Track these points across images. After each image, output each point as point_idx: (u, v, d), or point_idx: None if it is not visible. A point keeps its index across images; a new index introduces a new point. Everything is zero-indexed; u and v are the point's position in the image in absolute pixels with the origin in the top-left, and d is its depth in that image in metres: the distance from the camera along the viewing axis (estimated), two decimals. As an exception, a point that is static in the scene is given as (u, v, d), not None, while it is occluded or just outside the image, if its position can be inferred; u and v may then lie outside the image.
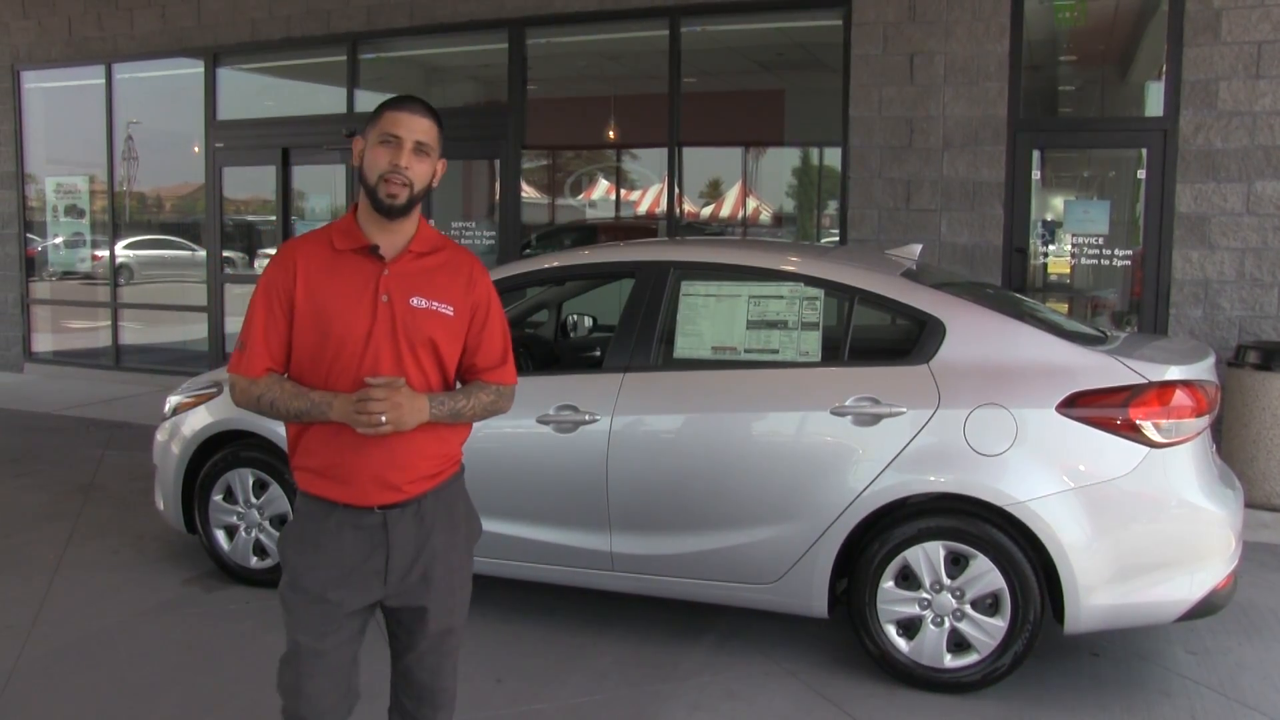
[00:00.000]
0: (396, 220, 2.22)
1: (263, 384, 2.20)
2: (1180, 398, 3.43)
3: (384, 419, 2.11)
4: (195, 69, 9.75)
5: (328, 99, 9.15)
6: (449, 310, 2.25)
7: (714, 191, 8.56)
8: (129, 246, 10.66)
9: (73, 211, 10.78)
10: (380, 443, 2.17)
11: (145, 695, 3.53)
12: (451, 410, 2.27)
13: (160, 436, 4.82)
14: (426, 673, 2.39)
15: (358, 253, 2.22)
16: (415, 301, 2.21)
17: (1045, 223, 6.93)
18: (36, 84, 10.73)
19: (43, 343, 10.93)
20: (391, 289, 2.20)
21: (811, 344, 3.77)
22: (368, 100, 9.18)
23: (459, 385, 2.37)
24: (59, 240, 10.98)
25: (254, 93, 10.00)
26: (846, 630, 3.80)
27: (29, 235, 10.92)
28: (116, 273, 10.53)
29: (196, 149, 9.91)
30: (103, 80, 10.26)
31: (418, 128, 2.19)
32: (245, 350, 2.22)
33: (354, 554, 2.22)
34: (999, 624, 3.47)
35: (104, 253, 10.61)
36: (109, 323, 10.52)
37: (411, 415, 2.16)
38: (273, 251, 2.39)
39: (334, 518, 2.22)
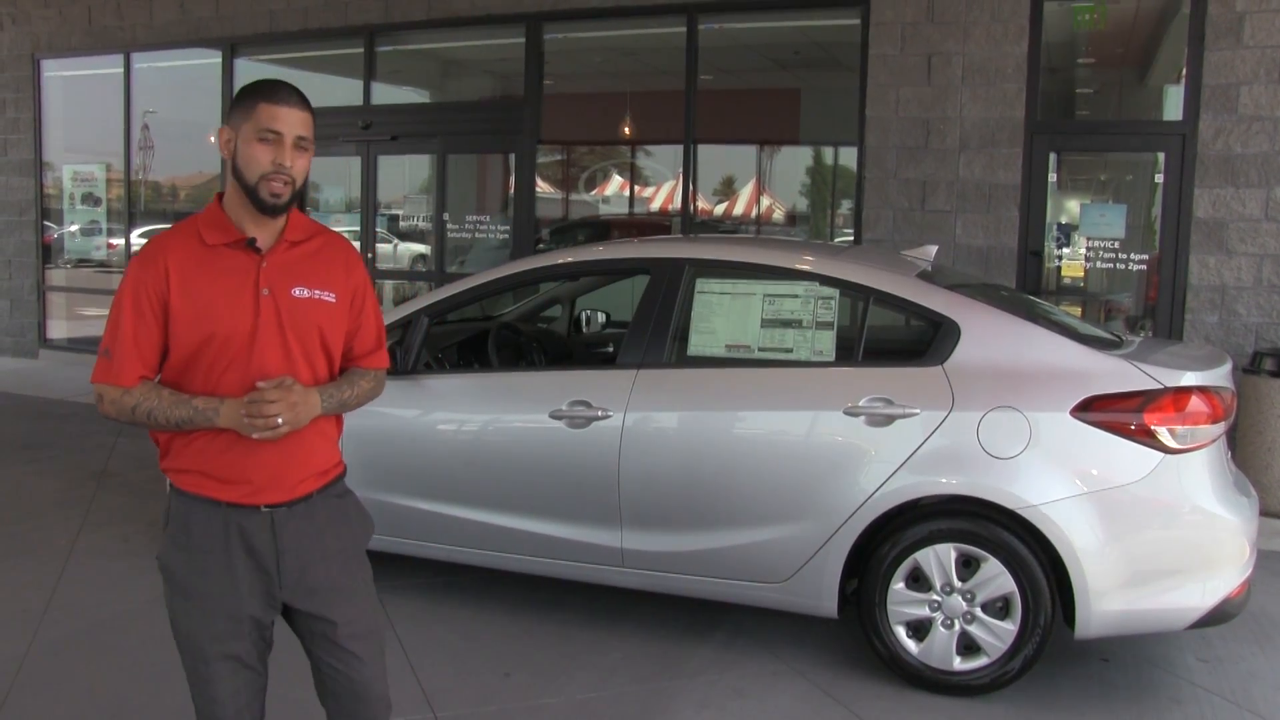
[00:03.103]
0: (276, 215, 2.11)
1: (137, 393, 2.05)
2: (1196, 404, 3.41)
3: (280, 421, 2.03)
4: (213, 59, 9.79)
5: (344, 91, 9.17)
6: (331, 297, 2.16)
7: (728, 189, 8.55)
8: (144, 235, 10.71)
9: (89, 199, 10.85)
10: (271, 443, 2.08)
11: (156, 682, 3.54)
12: (340, 402, 2.20)
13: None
14: (356, 686, 2.22)
15: (232, 246, 2.09)
16: (298, 292, 2.11)
17: (1061, 226, 6.90)
18: (56, 72, 10.80)
19: (57, 329, 11.00)
20: (272, 281, 2.09)
21: (826, 343, 3.76)
22: (384, 93, 9.21)
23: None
24: (75, 228, 11.05)
25: (271, 84, 10.02)
26: (856, 631, 3.79)
27: (46, 222, 10.98)
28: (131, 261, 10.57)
29: (212, 139, 9.92)
30: (121, 70, 10.31)
31: (298, 122, 2.07)
32: (113, 358, 2.05)
33: (246, 555, 2.11)
34: (1009, 627, 3.45)
35: (119, 241, 10.67)
36: (123, 311, 10.56)
37: (306, 412, 2.09)
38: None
39: (218, 517, 2.10)
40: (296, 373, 2.12)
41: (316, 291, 2.14)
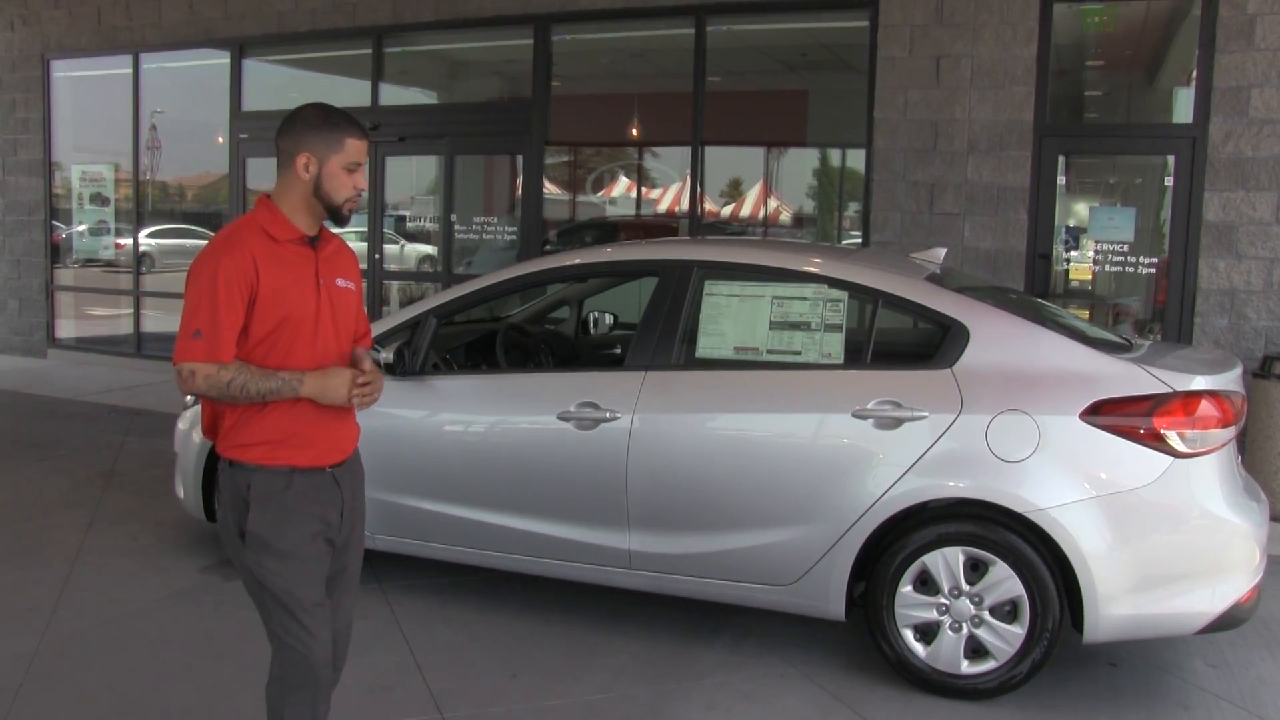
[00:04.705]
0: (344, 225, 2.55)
1: (231, 369, 2.34)
2: (1206, 408, 3.39)
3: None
4: (221, 60, 9.81)
5: (352, 92, 9.19)
6: (353, 286, 2.59)
7: (735, 191, 8.55)
8: (151, 235, 10.74)
9: (97, 199, 10.88)
10: (333, 411, 2.45)
11: (164, 681, 3.55)
12: None
13: (181, 424, 4.85)
14: (339, 618, 2.58)
15: (296, 243, 2.45)
16: (339, 282, 2.52)
17: (1069, 229, 6.88)
18: (65, 73, 10.82)
19: (66, 329, 11.03)
20: (323, 273, 2.48)
21: (834, 346, 3.75)
22: (392, 94, 9.22)
23: None
24: (83, 228, 11.07)
25: (279, 84, 10.06)
26: (863, 634, 3.79)
27: (54, 222, 11.01)
28: (139, 261, 10.61)
29: (220, 139, 9.97)
30: (130, 70, 10.33)
31: (367, 150, 2.48)
32: (207, 338, 2.32)
33: (318, 511, 2.45)
34: (1017, 631, 3.44)
35: (127, 241, 10.69)
36: (131, 310, 10.61)
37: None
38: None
39: (295, 482, 2.42)
40: (342, 348, 2.50)
41: (348, 282, 2.56)
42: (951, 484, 3.48)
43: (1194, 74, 6.34)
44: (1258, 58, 6.10)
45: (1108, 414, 3.39)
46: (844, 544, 3.57)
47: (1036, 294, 6.47)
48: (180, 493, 4.81)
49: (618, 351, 5.34)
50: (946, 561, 3.49)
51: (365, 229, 9.27)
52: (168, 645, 3.85)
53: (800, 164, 8.44)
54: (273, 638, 2.46)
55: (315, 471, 2.45)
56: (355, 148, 2.43)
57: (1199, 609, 3.38)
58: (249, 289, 2.33)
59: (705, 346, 3.90)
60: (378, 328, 4.27)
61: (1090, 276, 6.84)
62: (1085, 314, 6.57)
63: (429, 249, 9.46)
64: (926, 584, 3.54)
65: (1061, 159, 6.76)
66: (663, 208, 8.68)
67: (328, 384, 2.40)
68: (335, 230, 2.57)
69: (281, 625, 2.42)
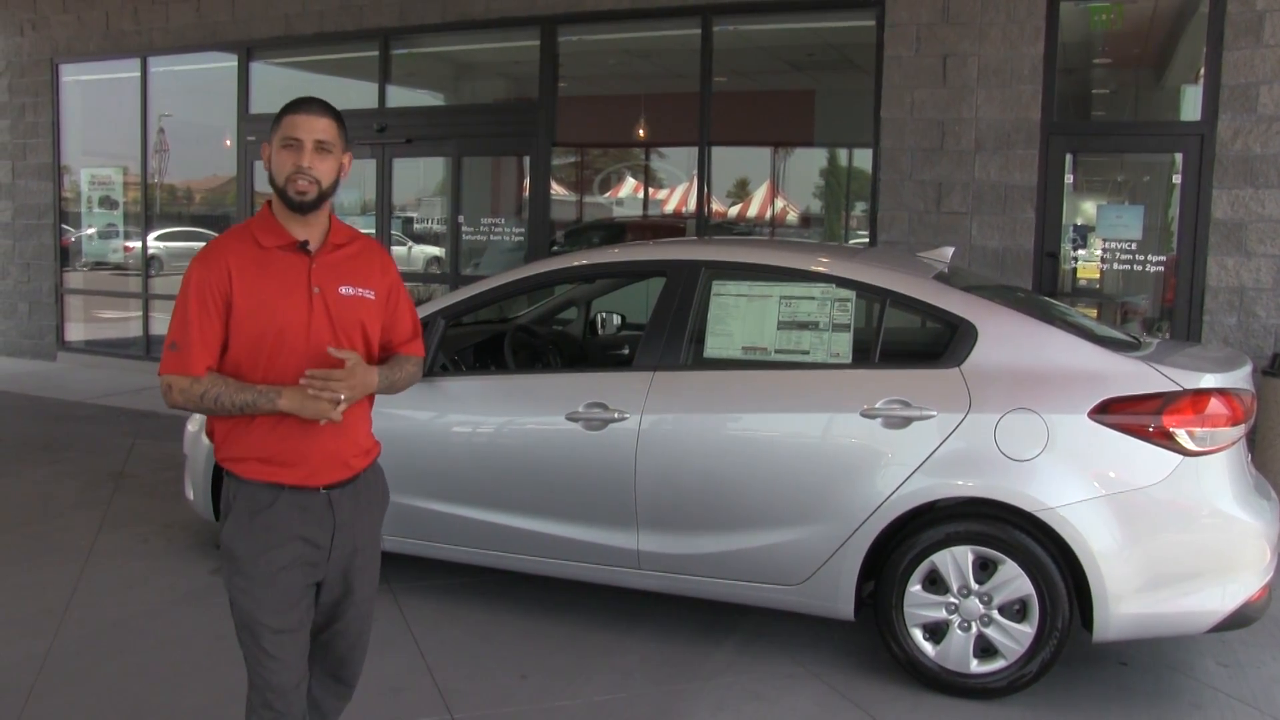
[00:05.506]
0: (310, 215, 2.33)
1: (205, 382, 2.25)
2: (1215, 406, 3.39)
3: (342, 396, 2.24)
4: (229, 63, 9.85)
5: (359, 94, 9.22)
6: (371, 295, 2.41)
7: (742, 191, 8.54)
8: (160, 238, 10.79)
9: (106, 203, 10.92)
10: (333, 425, 2.30)
11: (174, 683, 3.57)
12: (390, 382, 2.44)
13: (191, 427, 4.87)
14: (347, 640, 2.51)
15: (285, 249, 2.33)
16: (344, 290, 2.36)
17: (1077, 227, 6.87)
18: (74, 77, 10.87)
19: (75, 332, 11.08)
20: (321, 280, 2.33)
21: (842, 345, 3.75)
22: (398, 96, 9.25)
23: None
24: (92, 231, 11.12)
25: (287, 87, 10.07)
26: (872, 633, 3.78)
27: (63, 226, 11.06)
28: (148, 264, 10.65)
29: (228, 142, 10.01)
30: (138, 73, 10.38)
31: (317, 128, 2.29)
32: (181, 350, 2.25)
33: (303, 533, 2.32)
34: (1027, 630, 3.44)
35: (135, 244, 10.74)
36: (140, 313, 10.65)
37: (363, 389, 2.32)
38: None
39: (281, 500, 2.31)
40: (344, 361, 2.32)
41: (359, 290, 2.39)
42: (960, 483, 3.48)
43: (1202, 71, 6.32)
44: (1266, 54, 6.08)
45: (1116, 412, 3.38)
46: (853, 543, 3.57)
47: (1044, 293, 6.46)
48: (189, 495, 4.83)
49: (626, 352, 5.34)
50: (955, 561, 3.49)
51: (374, 231, 9.29)
52: (178, 646, 3.87)
53: (807, 164, 8.44)
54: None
55: (306, 491, 2.32)
56: (289, 122, 2.29)
57: (1209, 608, 3.37)
58: (222, 299, 2.25)
59: (713, 346, 3.90)
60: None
61: (1098, 275, 6.83)
62: (1093, 312, 6.56)
63: (436, 250, 9.48)
64: (935, 583, 3.54)
65: (1069, 157, 6.75)
66: (670, 208, 8.68)
67: (308, 395, 2.24)
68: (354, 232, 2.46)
69: (243, 644, 2.36)
